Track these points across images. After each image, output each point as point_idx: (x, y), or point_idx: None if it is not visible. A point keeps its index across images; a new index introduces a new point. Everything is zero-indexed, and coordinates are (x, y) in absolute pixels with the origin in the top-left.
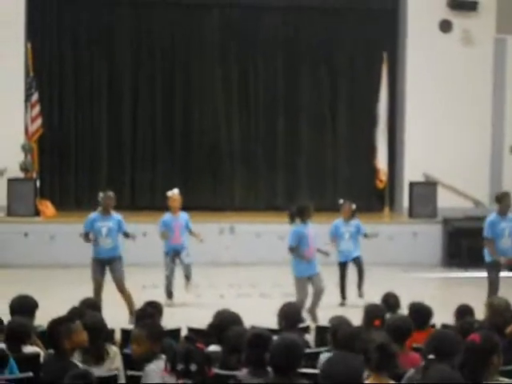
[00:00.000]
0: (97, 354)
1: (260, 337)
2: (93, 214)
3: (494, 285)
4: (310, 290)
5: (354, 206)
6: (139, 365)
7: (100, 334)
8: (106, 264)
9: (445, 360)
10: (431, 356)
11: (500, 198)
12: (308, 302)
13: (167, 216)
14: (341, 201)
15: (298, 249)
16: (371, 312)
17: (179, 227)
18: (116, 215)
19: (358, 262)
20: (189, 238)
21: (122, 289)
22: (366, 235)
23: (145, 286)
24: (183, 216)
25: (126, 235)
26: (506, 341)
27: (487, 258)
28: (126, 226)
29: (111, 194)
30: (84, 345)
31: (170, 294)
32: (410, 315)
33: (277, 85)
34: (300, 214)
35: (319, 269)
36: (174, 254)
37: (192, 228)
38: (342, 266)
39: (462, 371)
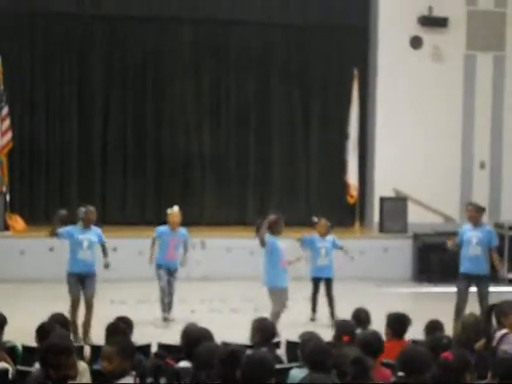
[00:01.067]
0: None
1: (233, 354)
2: (71, 227)
3: (461, 295)
4: None
5: (329, 223)
6: (109, 381)
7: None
8: (81, 278)
9: (415, 376)
10: (400, 373)
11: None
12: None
13: (164, 228)
14: (315, 219)
15: (270, 258)
16: (341, 328)
17: (175, 242)
18: (95, 228)
19: (328, 283)
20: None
21: (89, 305)
22: (341, 248)
23: (113, 302)
24: (182, 232)
25: (104, 248)
26: (475, 356)
27: (461, 269)
28: (104, 238)
29: (92, 208)
30: (72, 379)
31: (165, 308)
32: (388, 325)
33: (248, 100)
34: (269, 228)
35: (288, 284)
36: (166, 269)
37: (188, 244)
38: (316, 282)
39: None
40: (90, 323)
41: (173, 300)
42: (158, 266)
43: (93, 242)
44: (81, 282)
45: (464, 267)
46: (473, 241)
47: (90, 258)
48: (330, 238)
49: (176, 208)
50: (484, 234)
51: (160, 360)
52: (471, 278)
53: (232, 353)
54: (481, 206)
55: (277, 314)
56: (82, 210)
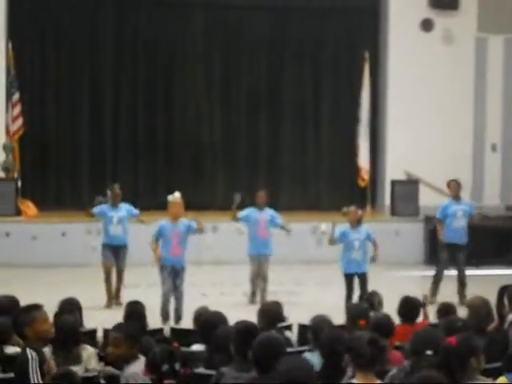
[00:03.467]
0: (69, 358)
1: (250, 329)
2: (104, 206)
3: (443, 264)
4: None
5: (360, 212)
6: (119, 365)
7: (70, 336)
8: (114, 250)
9: (426, 359)
10: (428, 352)
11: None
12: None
13: (164, 222)
14: (344, 208)
15: (248, 227)
16: (356, 312)
17: (178, 236)
18: (124, 205)
19: (363, 278)
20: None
21: (120, 275)
22: (374, 243)
23: (126, 285)
24: (184, 223)
25: (140, 220)
26: (487, 338)
27: (445, 238)
28: (135, 210)
29: (117, 185)
30: (48, 335)
31: (166, 316)
32: (400, 309)
33: (260, 83)
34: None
35: (271, 252)
36: (170, 270)
37: (193, 228)
38: (350, 279)
39: (439, 371)
40: (121, 288)
41: (182, 307)
42: (163, 267)
43: (122, 218)
44: (114, 252)
45: (448, 237)
46: (458, 214)
47: (121, 233)
48: (364, 228)
49: (177, 194)
50: (467, 207)
51: (168, 345)
52: (452, 247)
53: (248, 328)
54: (460, 182)
55: (251, 278)
56: (110, 189)
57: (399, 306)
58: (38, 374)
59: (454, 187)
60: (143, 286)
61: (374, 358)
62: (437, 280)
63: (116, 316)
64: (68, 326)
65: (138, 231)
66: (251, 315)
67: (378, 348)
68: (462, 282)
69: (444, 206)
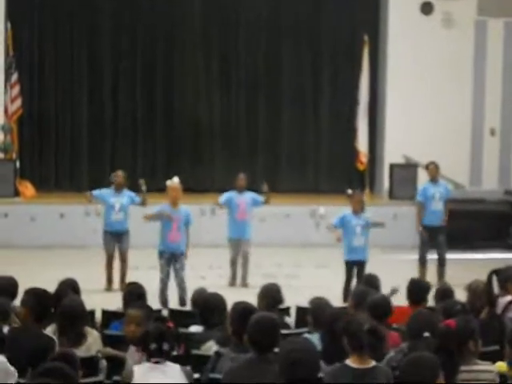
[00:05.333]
0: (74, 338)
1: (247, 310)
2: (105, 190)
3: (425, 246)
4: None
5: (363, 198)
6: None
7: (78, 318)
8: (116, 236)
9: (423, 340)
10: (426, 334)
11: (425, 168)
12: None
13: (164, 206)
14: (349, 191)
15: (228, 211)
16: (362, 294)
17: (178, 222)
18: (127, 191)
19: (361, 267)
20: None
21: (124, 258)
22: (374, 225)
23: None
24: (184, 210)
25: (141, 203)
26: (482, 323)
27: (424, 220)
28: (137, 197)
29: (120, 172)
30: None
31: (164, 302)
32: (409, 291)
33: (258, 65)
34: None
35: (250, 236)
36: (169, 256)
37: (191, 224)
38: (350, 266)
39: (437, 355)
40: (126, 274)
41: (186, 295)
42: (161, 254)
43: (124, 205)
44: (116, 238)
45: (427, 220)
46: (436, 196)
47: (123, 219)
48: (365, 215)
49: (176, 179)
50: (444, 189)
51: (162, 324)
52: (431, 229)
53: (246, 309)
54: (438, 164)
55: (231, 262)
56: (113, 174)
57: (409, 288)
58: None
59: (432, 170)
60: (143, 268)
61: (373, 347)
62: (422, 263)
63: (114, 298)
64: (76, 306)
65: (139, 214)
66: (250, 297)
67: (377, 337)
68: (441, 263)
69: (422, 188)
